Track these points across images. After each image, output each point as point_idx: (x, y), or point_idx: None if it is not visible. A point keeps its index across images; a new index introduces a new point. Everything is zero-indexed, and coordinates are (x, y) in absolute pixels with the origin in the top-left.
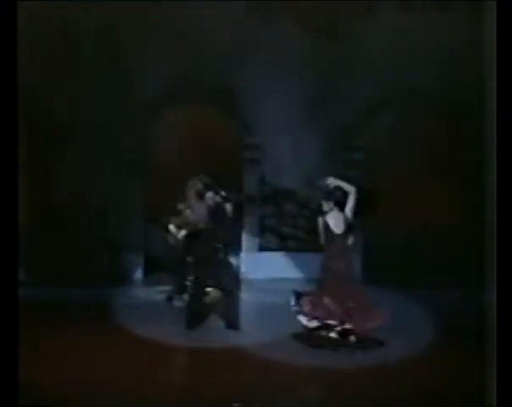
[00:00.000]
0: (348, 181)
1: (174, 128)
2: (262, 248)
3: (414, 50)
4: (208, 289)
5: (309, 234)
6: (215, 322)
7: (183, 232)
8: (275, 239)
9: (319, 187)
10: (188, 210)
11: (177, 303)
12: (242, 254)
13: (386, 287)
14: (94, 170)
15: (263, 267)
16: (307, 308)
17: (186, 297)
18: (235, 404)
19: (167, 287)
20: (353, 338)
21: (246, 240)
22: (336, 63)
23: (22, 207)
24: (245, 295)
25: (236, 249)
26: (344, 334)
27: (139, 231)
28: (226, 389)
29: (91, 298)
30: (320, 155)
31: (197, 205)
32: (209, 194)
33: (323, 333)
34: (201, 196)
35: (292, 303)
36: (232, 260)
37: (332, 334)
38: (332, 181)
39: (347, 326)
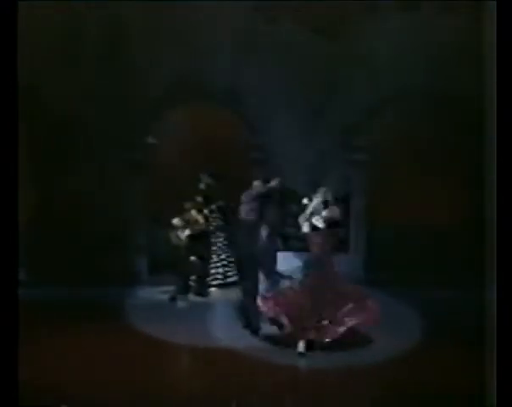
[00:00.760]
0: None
1: (177, 128)
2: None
3: (414, 50)
4: (212, 289)
5: None
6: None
7: (187, 232)
8: (279, 239)
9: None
10: (193, 210)
11: (180, 303)
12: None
13: (386, 287)
14: (96, 169)
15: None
16: (265, 308)
17: (190, 296)
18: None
19: (170, 287)
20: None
21: None
22: (338, 63)
23: (22, 207)
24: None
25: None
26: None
27: (142, 231)
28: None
29: (93, 298)
30: (323, 155)
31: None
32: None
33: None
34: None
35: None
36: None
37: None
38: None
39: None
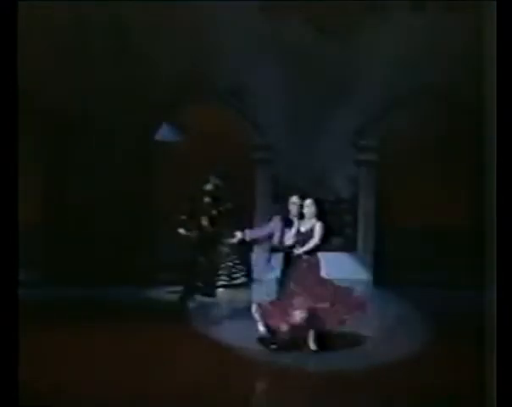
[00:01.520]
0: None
1: (185, 128)
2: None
3: (423, 50)
4: (219, 290)
5: None
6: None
7: (195, 233)
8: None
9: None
10: (201, 211)
11: (189, 303)
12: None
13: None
14: (107, 169)
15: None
16: (271, 320)
17: (198, 297)
18: None
19: (178, 288)
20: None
21: None
22: (347, 63)
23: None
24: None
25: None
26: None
27: (151, 231)
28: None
29: (102, 297)
30: (332, 155)
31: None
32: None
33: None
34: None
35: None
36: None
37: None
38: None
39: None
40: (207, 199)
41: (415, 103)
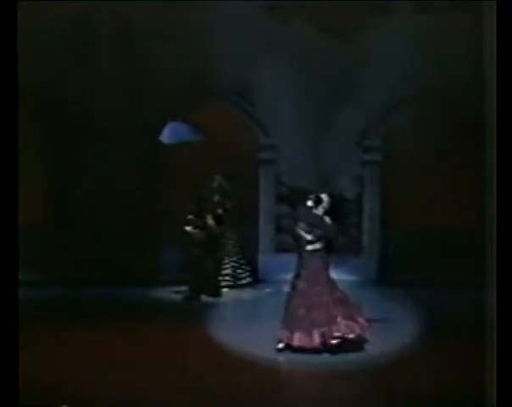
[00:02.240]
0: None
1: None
2: (278, 249)
3: (428, 51)
4: (224, 290)
5: None
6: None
7: (201, 232)
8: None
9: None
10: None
11: (194, 303)
12: (259, 255)
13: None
14: (109, 169)
15: (279, 268)
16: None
17: (202, 297)
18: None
19: (183, 287)
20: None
21: (262, 241)
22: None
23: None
24: (261, 296)
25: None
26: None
27: (155, 231)
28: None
29: (103, 297)
30: (336, 155)
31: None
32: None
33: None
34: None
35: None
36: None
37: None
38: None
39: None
40: (213, 198)
41: (419, 103)
